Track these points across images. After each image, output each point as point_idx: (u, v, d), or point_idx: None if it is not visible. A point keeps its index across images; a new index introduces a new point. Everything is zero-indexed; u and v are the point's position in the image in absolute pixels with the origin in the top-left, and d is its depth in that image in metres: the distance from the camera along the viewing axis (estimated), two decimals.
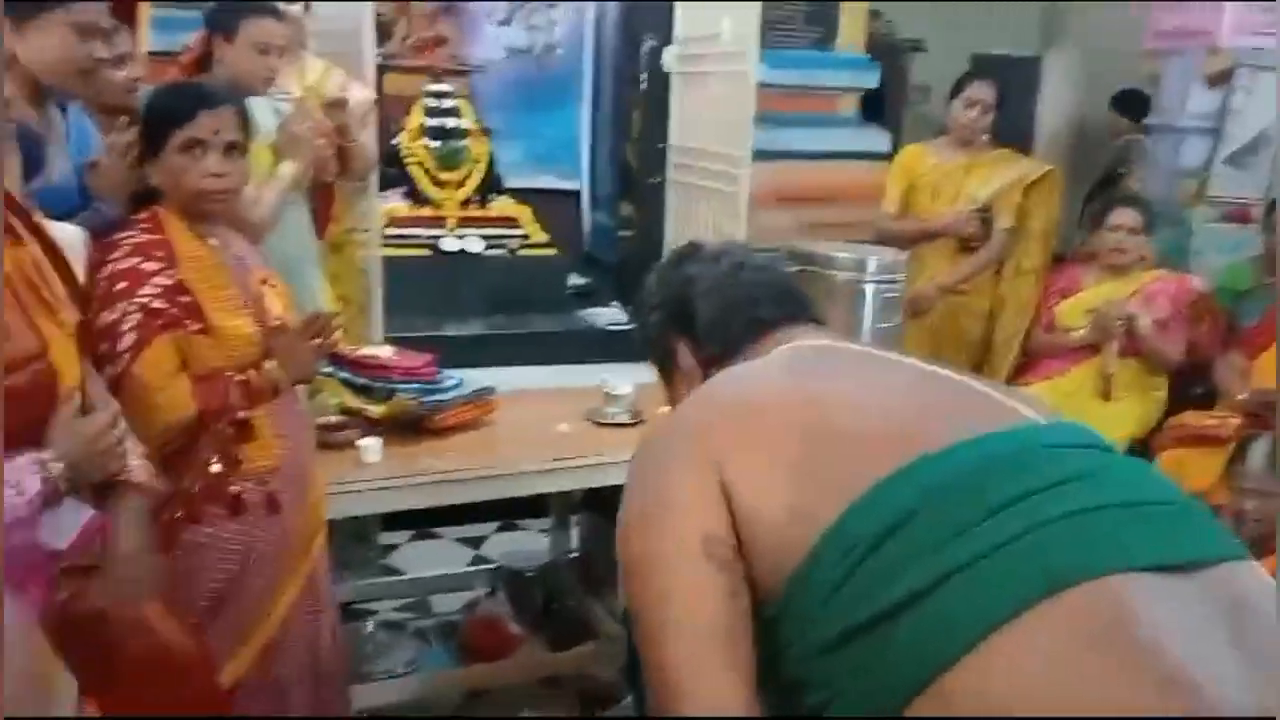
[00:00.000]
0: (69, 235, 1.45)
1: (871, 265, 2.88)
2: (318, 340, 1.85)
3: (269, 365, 1.78)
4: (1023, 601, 0.79)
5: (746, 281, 1.24)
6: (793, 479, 0.93)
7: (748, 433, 0.98)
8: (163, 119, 1.73)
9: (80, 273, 1.50)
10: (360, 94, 2.87)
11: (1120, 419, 3.25)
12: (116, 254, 1.67)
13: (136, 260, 1.67)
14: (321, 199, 2.90)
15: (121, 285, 1.65)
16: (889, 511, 0.87)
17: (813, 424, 0.97)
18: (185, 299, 1.69)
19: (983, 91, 3.42)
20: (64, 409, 1.31)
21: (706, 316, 1.23)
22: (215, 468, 1.73)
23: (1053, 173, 3.53)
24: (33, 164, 1.81)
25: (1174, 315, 3.29)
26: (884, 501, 0.88)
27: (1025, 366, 3.51)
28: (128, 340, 1.63)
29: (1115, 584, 0.80)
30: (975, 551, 0.83)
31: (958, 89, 3.48)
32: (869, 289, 2.86)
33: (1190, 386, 3.48)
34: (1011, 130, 4.18)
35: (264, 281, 1.87)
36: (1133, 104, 4.94)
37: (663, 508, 0.98)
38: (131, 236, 1.70)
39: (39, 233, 1.32)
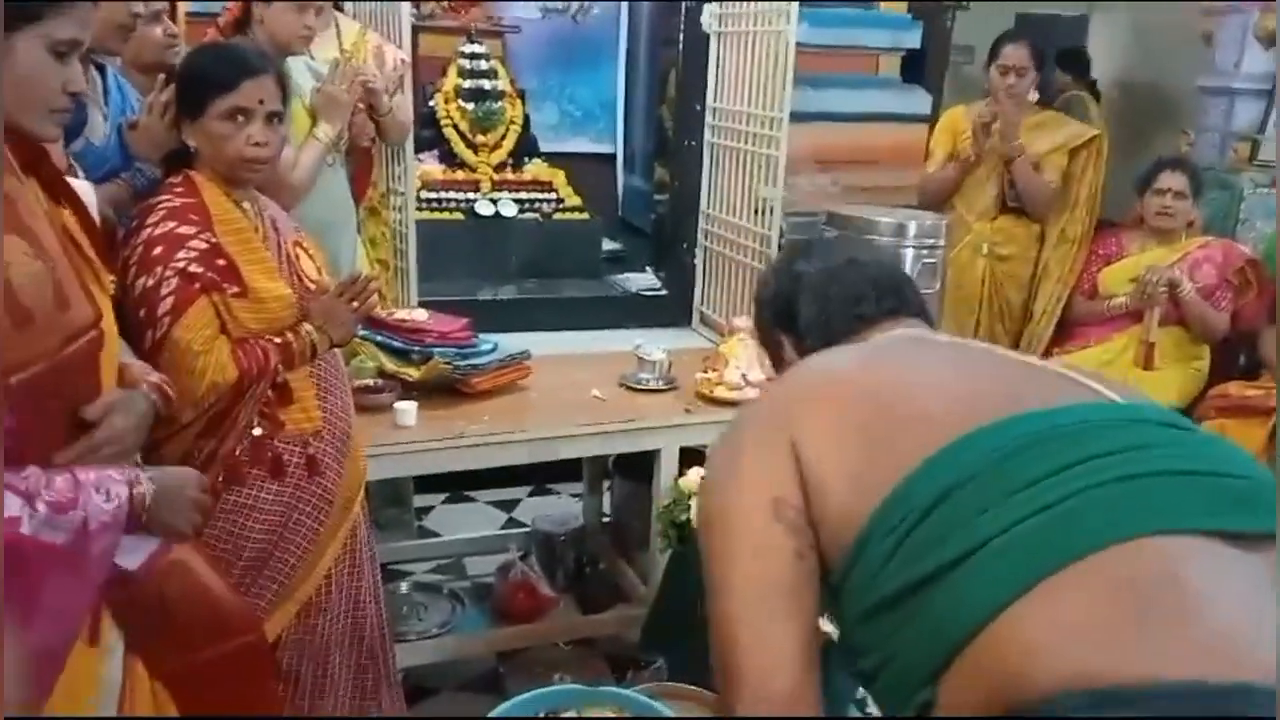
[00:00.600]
0: (80, 191, 1.45)
1: (911, 230, 2.84)
2: (356, 303, 1.85)
3: (307, 328, 1.79)
4: (1062, 558, 0.81)
5: (852, 278, 1.26)
6: (858, 454, 0.97)
7: (821, 409, 1.03)
8: (205, 84, 1.73)
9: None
10: (395, 57, 2.86)
11: (1160, 388, 3.19)
12: (152, 218, 1.68)
13: (172, 225, 1.67)
14: (359, 163, 2.90)
15: (158, 250, 1.66)
16: (938, 483, 0.90)
17: (882, 402, 1.01)
18: (222, 262, 1.69)
19: (1016, 56, 3.33)
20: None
21: (807, 316, 1.28)
22: (257, 430, 1.75)
23: (1099, 137, 3.45)
24: (73, 126, 1.82)
25: (1220, 283, 3.23)
26: (934, 474, 0.91)
27: (1065, 334, 3.46)
28: (167, 304, 1.64)
29: (1163, 543, 0.82)
30: (1021, 513, 0.85)
31: (993, 54, 3.40)
32: (909, 254, 2.83)
33: (1235, 356, 3.42)
34: (1054, 91, 4.09)
35: (297, 245, 1.88)
36: (1073, 61, 4.81)
37: (739, 470, 1.03)
38: (166, 201, 1.71)
39: (71, 194, 1.32)
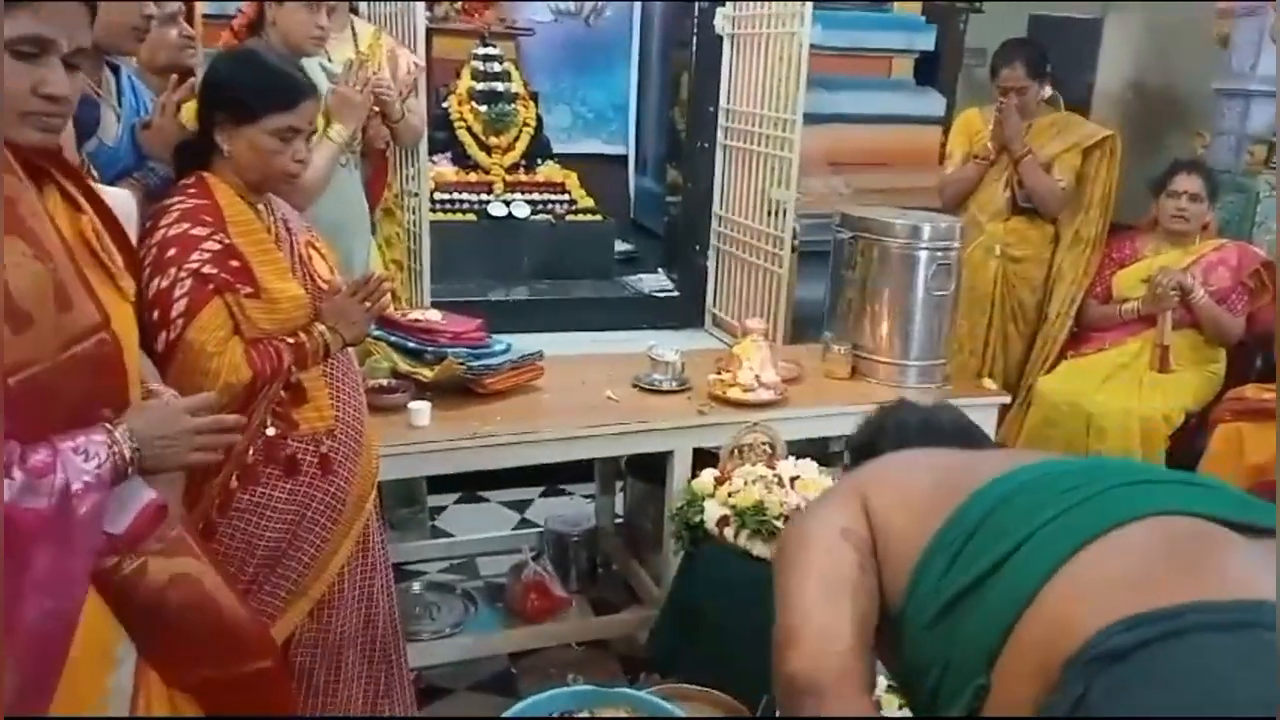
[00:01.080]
0: (119, 199, 1.44)
1: (926, 232, 2.82)
2: (368, 303, 1.85)
3: (319, 328, 1.80)
4: (1092, 531, 0.94)
5: (930, 427, 1.49)
6: (919, 500, 1.14)
7: (889, 477, 1.23)
8: (266, 97, 1.73)
9: (132, 236, 1.48)
10: (409, 61, 2.88)
11: (1176, 391, 3.18)
12: (165, 220, 1.68)
13: (186, 226, 1.68)
14: (375, 166, 2.91)
15: (172, 251, 1.66)
16: (981, 507, 1.05)
17: (936, 469, 1.20)
18: (235, 263, 1.70)
19: (1012, 78, 3.32)
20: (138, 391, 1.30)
21: None
22: (270, 430, 1.76)
23: (1112, 138, 3.43)
24: (87, 126, 1.83)
25: (1234, 286, 3.21)
26: (978, 501, 1.06)
27: (1080, 338, 3.44)
28: (181, 306, 1.65)
29: (1182, 519, 0.95)
30: (1050, 514, 0.98)
31: (993, 73, 3.40)
32: (923, 256, 2.81)
33: (1252, 359, 3.39)
34: (1070, 93, 4.07)
35: (309, 245, 1.88)
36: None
37: (814, 513, 1.23)
38: (180, 202, 1.71)
39: (96, 200, 1.31)
